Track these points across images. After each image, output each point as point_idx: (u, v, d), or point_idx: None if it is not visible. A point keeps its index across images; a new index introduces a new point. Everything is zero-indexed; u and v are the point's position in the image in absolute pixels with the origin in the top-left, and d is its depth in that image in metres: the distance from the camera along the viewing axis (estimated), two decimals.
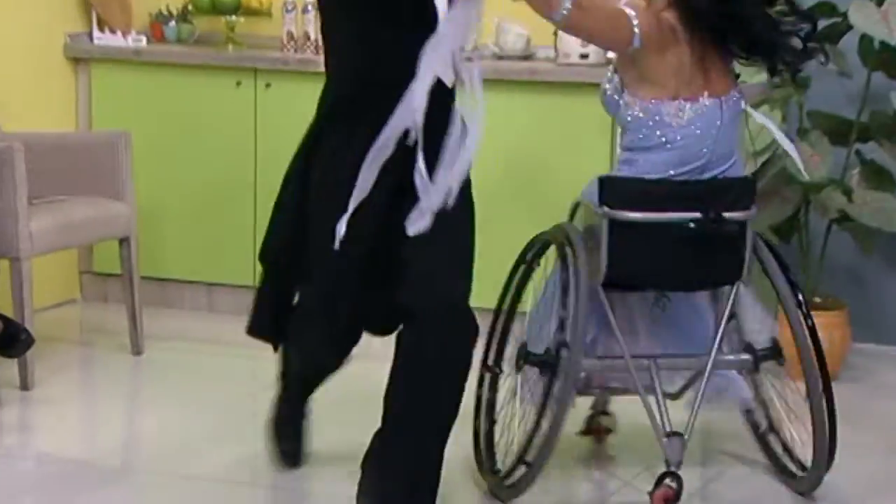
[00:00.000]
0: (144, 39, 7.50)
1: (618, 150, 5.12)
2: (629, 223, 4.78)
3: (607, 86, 4.99)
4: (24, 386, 6.10)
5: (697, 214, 4.75)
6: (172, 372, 6.63)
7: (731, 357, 5.06)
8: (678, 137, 4.81)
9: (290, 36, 7.29)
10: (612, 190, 4.82)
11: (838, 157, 6.29)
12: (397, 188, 4.52)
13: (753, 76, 6.19)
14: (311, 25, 7.29)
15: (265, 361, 6.28)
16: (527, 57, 6.85)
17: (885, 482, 5.32)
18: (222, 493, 5.19)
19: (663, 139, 4.81)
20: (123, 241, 6.65)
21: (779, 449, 5.02)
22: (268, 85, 7.14)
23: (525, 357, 5.03)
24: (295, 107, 6.73)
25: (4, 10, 7.01)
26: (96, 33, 7.44)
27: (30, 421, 6.02)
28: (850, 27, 6.19)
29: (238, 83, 7.19)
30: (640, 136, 4.87)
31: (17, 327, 5.98)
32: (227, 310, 7.34)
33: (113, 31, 7.44)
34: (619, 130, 5.23)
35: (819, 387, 4.91)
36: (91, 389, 6.68)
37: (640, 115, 4.82)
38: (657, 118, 4.79)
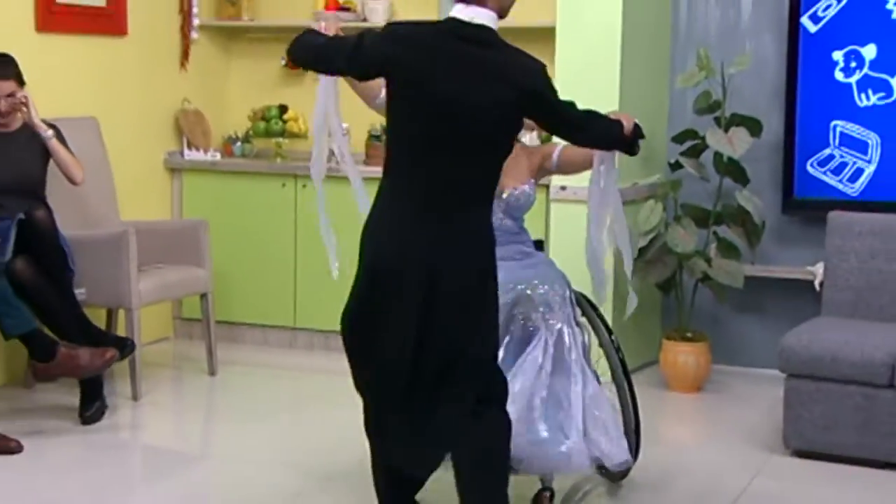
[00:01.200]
0: (219, 155, 7.59)
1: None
2: None
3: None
4: (135, 397, 6.22)
5: None
6: (238, 388, 6.68)
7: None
8: None
9: None
10: None
11: (701, 236, 6.39)
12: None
13: (646, 178, 6.46)
14: (335, 144, 7.50)
15: (306, 381, 6.88)
16: None
17: (719, 466, 5.36)
18: (273, 471, 5.24)
19: None
20: (203, 296, 6.75)
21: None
22: (304, 185, 7.14)
23: None
24: None
25: (123, 137, 7.05)
26: (186, 151, 7.53)
27: (138, 421, 6.10)
28: (707, 146, 6.38)
29: (283, 185, 7.28)
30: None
31: (123, 340, 5.98)
32: (277, 344, 7.44)
33: (197, 149, 7.54)
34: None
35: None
36: (180, 399, 6.66)
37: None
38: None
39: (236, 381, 6.78)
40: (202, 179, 7.56)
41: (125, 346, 5.89)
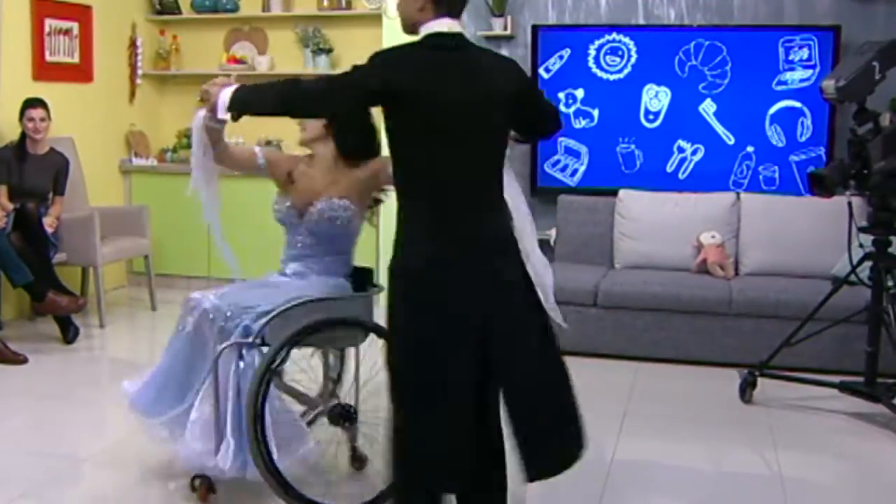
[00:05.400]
0: (156, 161, 7.59)
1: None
2: None
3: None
4: (101, 325, 6.26)
5: None
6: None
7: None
8: None
9: None
10: None
11: None
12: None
13: None
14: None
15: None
16: None
17: None
18: None
19: None
20: (146, 257, 6.80)
21: None
22: None
23: None
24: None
25: (91, 150, 7.03)
26: (133, 159, 7.54)
27: (104, 342, 6.06)
28: None
29: None
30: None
31: (76, 297, 5.85)
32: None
33: (141, 158, 7.56)
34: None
35: None
36: (132, 326, 6.55)
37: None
38: None
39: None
40: (144, 178, 7.55)
41: (77, 298, 5.91)
